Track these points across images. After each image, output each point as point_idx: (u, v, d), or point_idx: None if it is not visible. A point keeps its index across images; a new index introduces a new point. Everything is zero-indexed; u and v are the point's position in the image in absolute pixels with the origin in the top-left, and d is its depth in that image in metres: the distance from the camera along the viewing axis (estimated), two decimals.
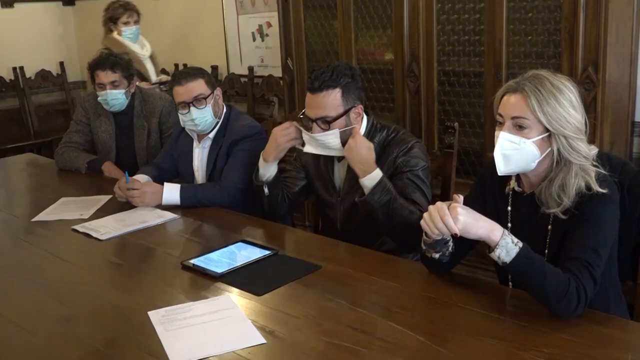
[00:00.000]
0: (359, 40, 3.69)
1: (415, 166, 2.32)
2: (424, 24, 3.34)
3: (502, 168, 1.79)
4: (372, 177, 2.24)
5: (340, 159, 2.45)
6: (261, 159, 2.52)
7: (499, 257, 1.65)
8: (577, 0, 2.78)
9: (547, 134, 1.74)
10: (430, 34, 3.33)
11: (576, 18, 2.80)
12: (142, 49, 4.68)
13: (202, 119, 2.82)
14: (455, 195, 1.71)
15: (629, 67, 2.96)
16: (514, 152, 1.75)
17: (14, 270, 2.25)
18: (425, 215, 1.73)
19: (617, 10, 2.78)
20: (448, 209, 1.68)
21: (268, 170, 2.51)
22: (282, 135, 2.45)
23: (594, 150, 1.78)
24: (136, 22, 4.69)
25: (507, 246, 1.64)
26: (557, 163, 1.76)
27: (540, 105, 1.71)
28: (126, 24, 4.64)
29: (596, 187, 1.71)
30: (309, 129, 2.36)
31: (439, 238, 1.79)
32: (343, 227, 2.50)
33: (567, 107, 1.72)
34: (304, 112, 2.39)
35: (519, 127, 1.74)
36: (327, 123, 2.31)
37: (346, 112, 2.31)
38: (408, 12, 3.39)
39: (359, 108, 2.35)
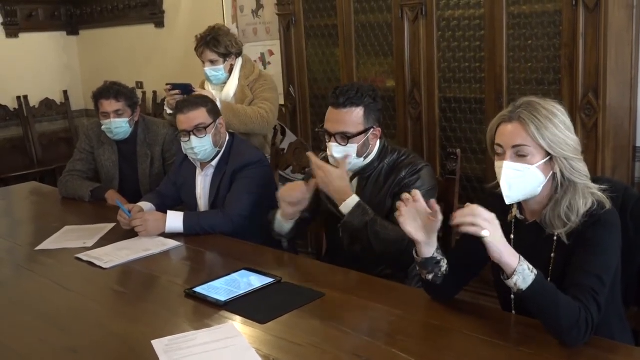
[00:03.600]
0: (360, 67, 3.72)
1: (419, 187, 2.32)
2: (425, 51, 3.37)
3: (509, 196, 1.80)
4: (348, 204, 2.32)
5: (352, 178, 2.46)
6: (279, 216, 2.53)
7: (515, 284, 1.63)
8: (577, 27, 2.81)
9: (548, 157, 1.75)
10: (431, 61, 3.36)
11: (575, 44, 2.83)
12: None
13: (202, 148, 2.83)
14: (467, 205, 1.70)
15: (629, 92, 2.98)
16: (519, 180, 1.76)
17: (17, 299, 2.24)
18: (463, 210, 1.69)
19: (616, 36, 2.81)
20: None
21: (284, 227, 2.55)
22: (286, 196, 2.47)
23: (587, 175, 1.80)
24: (213, 62, 3.55)
25: (524, 273, 1.63)
26: (561, 185, 1.77)
27: (539, 131, 1.73)
28: (203, 63, 3.61)
29: (607, 204, 1.72)
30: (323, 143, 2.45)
31: (429, 256, 1.80)
32: (350, 248, 2.49)
33: (563, 129, 1.75)
34: (322, 126, 2.43)
35: (521, 155, 1.76)
36: (346, 139, 2.34)
37: (365, 131, 2.35)
38: (409, 39, 3.43)
39: (377, 130, 2.40)
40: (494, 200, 1.88)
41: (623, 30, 2.87)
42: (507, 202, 1.81)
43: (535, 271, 1.64)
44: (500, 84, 3.12)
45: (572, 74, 2.87)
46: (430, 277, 1.85)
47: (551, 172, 1.77)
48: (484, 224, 1.63)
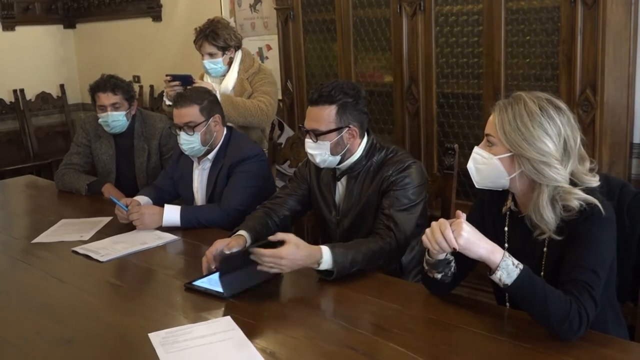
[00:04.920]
0: (358, 62, 3.71)
1: (406, 185, 2.32)
2: (423, 47, 3.37)
3: (476, 180, 1.85)
4: (325, 262, 2.07)
5: (340, 177, 2.46)
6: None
7: (500, 279, 1.65)
8: (575, 23, 2.81)
9: (511, 153, 1.75)
10: (429, 57, 3.36)
11: (574, 41, 2.83)
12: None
13: (189, 145, 2.84)
14: (458, 212, 1.71)
15: (626, 89, 2.98)
16: (484, 167, 1.81)
17: (13, 292, 2.24)
18: (427, 230, 1.73)
19: (614, 33, 2.81)
20: (451, 225, 1.68)
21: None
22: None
23: (595, 183, 1.75)
24: (211, 55, 3.53)
25: (507, 268, 1.64)
26: (530, 185, 1.77)
27: (502, 124, 1.75)
28: (202, 56, 3.60)
29: (598, 203, 1.69)
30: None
31: (442, 258, 1.80)
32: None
33: (534, 130, 1.71)
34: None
35: (488, 144, 1.80)
36: (316, 136, 2.34)
37: (337, 130, 2.33)
38: (407, 34, 3.42)
39: (354, 130, 2.35)
40: (490, 193, 1.88)
41: (621, 27, 2.87)
42: (476, 185, 1.86)
43: (520, 266, 1.65)
44: (498, 80, 3.12)
45: (570, 70, 2.87)
46: (439, 276, 1.86)
47: (521, 170, 1.76)
48: (442, 243, 1.67)
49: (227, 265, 2.09)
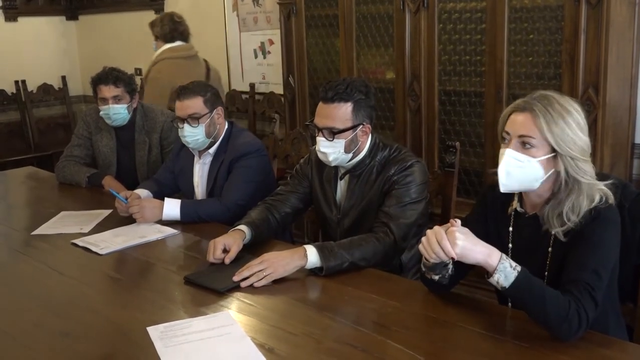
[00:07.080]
0: (360, 58, 3.71)
1: (409, 183, 2.32)
2: (426, 44, 3.37)
3: (505, 184, 1.78)
4: (311, 262, 2.12)
5: (343, 176, 2.46)
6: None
7: (497, 282, 1.64)
8: (578, 23, 2.81)
9: (553, 154, 1.74)
10: (432, 54, 3.35)
11: (577, 40, 2.83)
12: None
13: (193, 137, 2.83)
14: (452, 220, 1.70)
15: (629, 90, 2.97)
16: (518, 170, 1.75)
17: (12, 283, 2.24)
18: (423, 239, 1.72)
19: (617, 33, 2.81)
20: (446, 232, 1.66)
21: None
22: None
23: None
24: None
25: (505, 271, 1.63)
26: (565, 183, 1.76)
27: (548, 125, 1.72)
28: None
29: (611, 198, 1.73)
30: (314, 137, 2.41)
31: (438, 261, 1.79)
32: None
33: (574, 129, 1.73)
34: (312, 120, 2.41)
35: (525, 146, 1.75)
36: (332, 134, 2.32)
37: (353, 128, 2.32)
38: (410, 31, 3.42)
39: (367, 127, 2.37)
40: (493, 193, 1.88)
41: (625, 27, 2.86)
42: (502, 189, 1.80)
43: (518, 268, 1.64)
44: (501, 78, 3.11)
45: (573, 69, 2.87)
46: (437, 277, 1.85)
47: (553, 169, 1.76)
48: (439, 252, 1.65)
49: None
